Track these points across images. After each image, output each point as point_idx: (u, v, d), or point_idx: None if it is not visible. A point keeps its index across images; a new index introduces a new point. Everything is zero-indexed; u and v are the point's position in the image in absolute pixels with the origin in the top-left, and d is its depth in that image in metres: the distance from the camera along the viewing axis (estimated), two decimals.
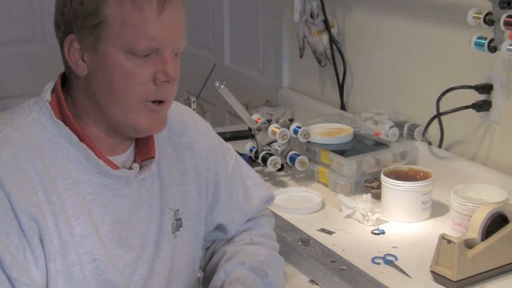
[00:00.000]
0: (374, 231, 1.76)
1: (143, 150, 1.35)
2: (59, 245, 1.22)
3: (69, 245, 1.23)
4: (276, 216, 1.77)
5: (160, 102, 1.26)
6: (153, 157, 1.34)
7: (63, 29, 1.24)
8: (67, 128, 1.25)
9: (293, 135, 2.07)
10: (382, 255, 1.63)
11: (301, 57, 2.49)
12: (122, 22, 1.20)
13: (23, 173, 1.20)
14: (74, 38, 1.23)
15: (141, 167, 1.33)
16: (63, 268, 1.23)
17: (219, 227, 1.51)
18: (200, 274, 1.54)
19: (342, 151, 2.02)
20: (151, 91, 1.24)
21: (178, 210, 1.40)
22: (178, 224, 1.40)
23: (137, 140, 1.35)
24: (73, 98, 1.28)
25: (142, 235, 1.33)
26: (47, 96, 1.28)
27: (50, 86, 1.31)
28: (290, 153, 2.06)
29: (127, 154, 1.34)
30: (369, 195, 1.85)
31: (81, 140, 1.26)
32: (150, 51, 1.22)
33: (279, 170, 2.12)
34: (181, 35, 1.26)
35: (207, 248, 1.55)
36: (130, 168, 1.31)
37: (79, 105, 1.27)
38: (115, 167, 1.29)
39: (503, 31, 1.74)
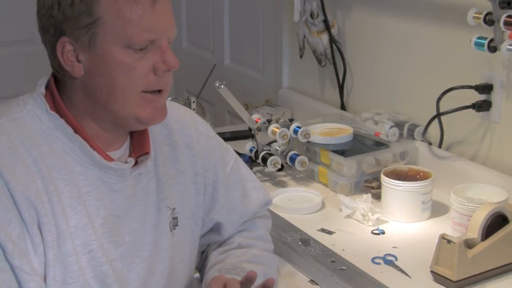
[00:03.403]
0: (374, 231, 1.76)
1: (138, 146, 1.35)
2: (56, 234, 1.23)
3: (64, 235, 1.23)
4: (276, 216, 1.78)
5: (159, 91, 1.28)
6: (147, 153, 1.34)
7: (52, 33, 1.24)
8: (62, 120, 1.26)
9: (293, 135, 2.07)
10: (382, 255, 1.63)
11: (301, 57, 2.49)
12: (118, 17, 1.20)
13: (21, 162, 1.21)
14: (67, 40, 1.23)
15: (137, 163, 1.34)
16: (59, 258, 1.23)
17: (215, 229, 1.51)
18: (198, 275, 1.54)
19: (342, 151, 2.02)
20: (152, 82, 1.25)
21: (174, 209, 1.40)
22: (174, 223, 1.40)
23: (132, 137, 1.35)
24: (69, 98, 1.28)
25: (135, 232, 1.33)
26: (42, 89, 1.29)
27: (43, 80, 1.31)
28: (290, 153, 2.06)
29: (121, 151, 1.34)
30: (369, 195, 1.85)
31: (76, 132, 1.26)
32: (147, 43, 1.23)
33: (279, 170, 2.12)
34: (174, 23, 1.28)
35: (202, 252, 1.55)
36: (126, 163, 1.32)
37: (78, 104, 1.27)
38: (110, 159, 1.29)
39: (503, 31, 1.74)
